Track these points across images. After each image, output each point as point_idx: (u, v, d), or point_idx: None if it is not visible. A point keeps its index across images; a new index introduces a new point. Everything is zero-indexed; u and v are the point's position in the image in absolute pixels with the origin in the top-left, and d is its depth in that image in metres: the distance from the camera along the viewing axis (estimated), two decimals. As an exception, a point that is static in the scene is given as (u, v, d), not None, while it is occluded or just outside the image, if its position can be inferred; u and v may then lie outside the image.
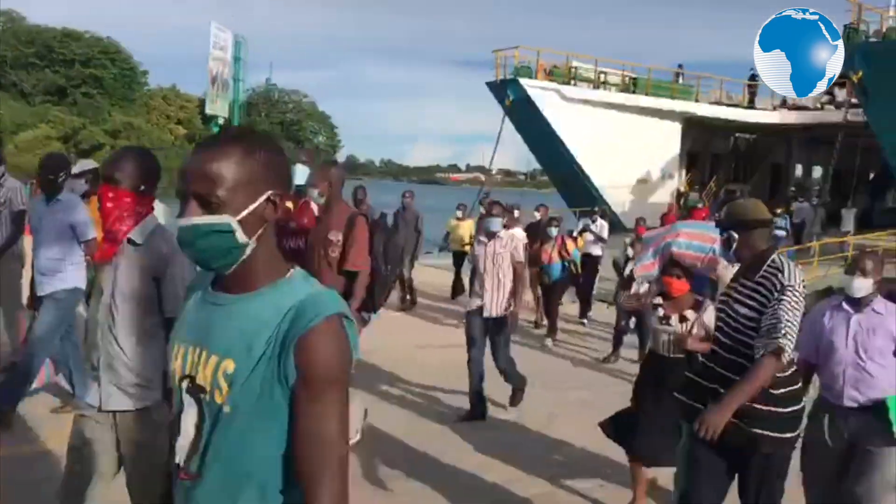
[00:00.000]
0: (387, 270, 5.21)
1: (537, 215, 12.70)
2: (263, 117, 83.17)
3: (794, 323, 3.29)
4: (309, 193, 5.06)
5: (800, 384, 3.57)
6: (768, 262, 3.42)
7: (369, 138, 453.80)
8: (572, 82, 27.19)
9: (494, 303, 6.71)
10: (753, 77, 31.30)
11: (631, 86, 28.43)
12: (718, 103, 30.11)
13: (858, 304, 4.03)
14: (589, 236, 13.02)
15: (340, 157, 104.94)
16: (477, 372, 6.61)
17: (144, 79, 71.62)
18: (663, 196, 28.75)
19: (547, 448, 6.03)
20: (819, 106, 29.74)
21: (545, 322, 11.07)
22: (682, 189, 29.70)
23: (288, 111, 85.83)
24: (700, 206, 18.94)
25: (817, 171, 35.60)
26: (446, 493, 4.91)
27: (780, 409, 3.40)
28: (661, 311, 4.83)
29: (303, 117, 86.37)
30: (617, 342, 9.62)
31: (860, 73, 17.69)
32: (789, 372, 3.47)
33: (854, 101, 19.74)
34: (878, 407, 3.96)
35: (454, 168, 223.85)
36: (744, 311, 3.40)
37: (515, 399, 6.96)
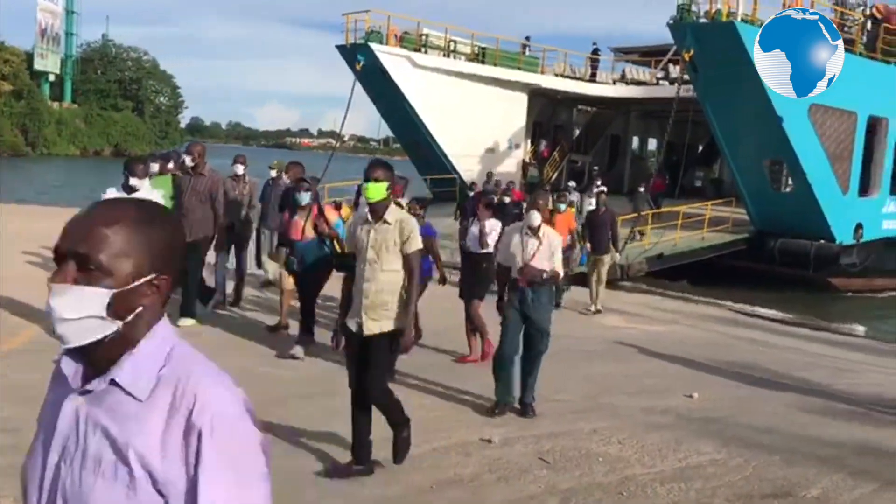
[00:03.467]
0: None
1: (240, 169, 10.06)
2: (100, 75, 78.43)
3: None
4: None
5: None
6: None
7: (215, 100, 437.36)
8: (423, 50, 27.25)
9: None
10: (595, 51, 32.61)
11: (480, 56, 28.83)
12: (562, 76, 31.08)
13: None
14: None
15: (184, 118, 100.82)
16: None
17: (-40, 28, 65.63)
18: (510, 165, 29.53)
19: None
20: (655, 81, 31.35)
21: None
22: (527, 159, 30.57)
23: (127, 69, 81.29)
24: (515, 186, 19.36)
25: (653, 143, 37.69)
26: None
27: None
28: None
29: (143, 76, 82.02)
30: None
31: (692, 52, 18.79)
32: None
33: (686, 77, 20.91)
34: None
35: (305, 133, 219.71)
36: None
37: None
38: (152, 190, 7.61)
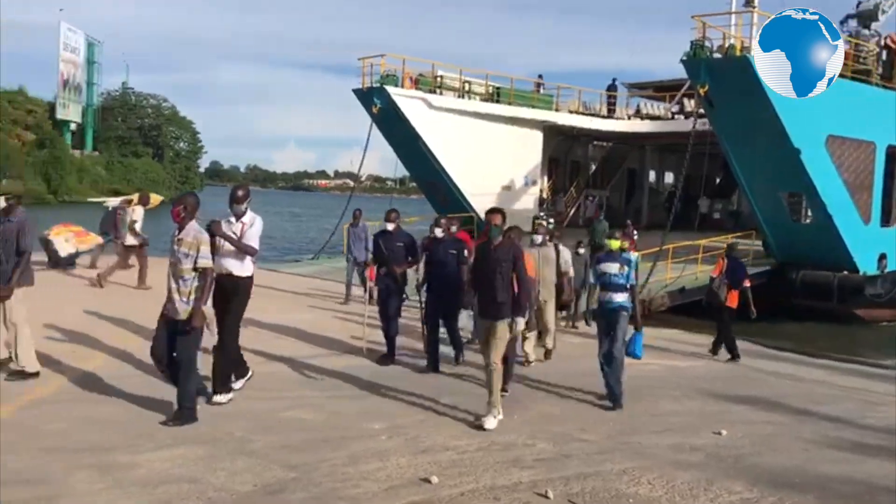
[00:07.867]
0: None
1: None
2: (120, 122, 79.73)
3: None
4: None
5: None
6: None
7: (233, 143, 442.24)
8: (438, 91, 27.56)
9: None
10: (612, 87, 32.83)
11: (494, 95, 29.10)
12: (577, 112, 31.29)
13: None
14: None
15: (203, 162, 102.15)
16: None
17: (-14, 80, 67.23)
18: (528, 202, 29.64)
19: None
20: (670, 116, 31.45)
21: None
22: (546, 195, 30.67)
23: (146, 116, 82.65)
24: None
25: (669, 177, 37.69)
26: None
27: None
28: None
29: (162, 122, 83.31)
30: None
31: (706, 87, 18.84)
32: None
33: (701, 111, 20.94)
34: None
35: (322, 174, 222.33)
36: None
37: None
38: None
